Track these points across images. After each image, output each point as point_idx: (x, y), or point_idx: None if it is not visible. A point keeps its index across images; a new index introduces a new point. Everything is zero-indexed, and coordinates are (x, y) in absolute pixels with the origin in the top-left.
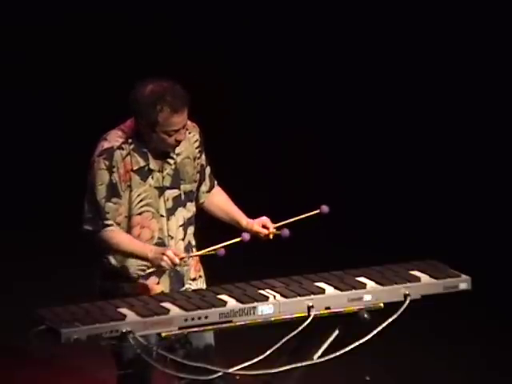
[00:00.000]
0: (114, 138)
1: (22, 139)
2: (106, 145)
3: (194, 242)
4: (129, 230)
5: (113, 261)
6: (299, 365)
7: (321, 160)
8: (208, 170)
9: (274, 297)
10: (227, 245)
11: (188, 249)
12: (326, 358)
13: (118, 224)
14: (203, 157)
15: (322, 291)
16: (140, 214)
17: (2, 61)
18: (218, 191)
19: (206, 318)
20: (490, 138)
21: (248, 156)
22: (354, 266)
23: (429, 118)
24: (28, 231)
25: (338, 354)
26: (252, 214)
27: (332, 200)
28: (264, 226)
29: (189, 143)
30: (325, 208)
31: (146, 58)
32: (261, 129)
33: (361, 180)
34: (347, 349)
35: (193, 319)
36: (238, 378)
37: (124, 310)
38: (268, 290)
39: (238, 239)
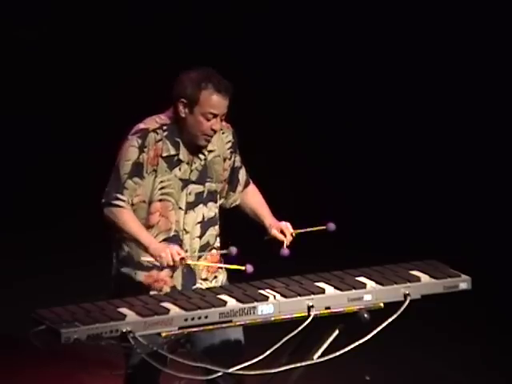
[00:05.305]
0: (151, 122)
1: (30, 138)
2: (141, 126)
3: (217, 244)
4: (147, 216)
5: (127, 248)
6: (299, 365)
7: (321, 161)
8: (242, 170)
9: (274, 297)
10: (227, 268)
11: (205, 249)
12: (326, 357)
13: (133, 205)
14: (237, 158)
15: (322, 291)
16: (160, 200)
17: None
18: (252, 191)
19: (206, 317)
20: (490, 138)
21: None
22: (353, 266)
23: (428, 119)
24: (28, 231)
25: (337, 353)
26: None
27: (332, 200)
28: (282, 232)
29: (221, 143)
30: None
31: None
32: (260, 133)
33: (361, 181)
34: (347, 349)
35: (193, 319)
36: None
37: (124, 310)
38: (268, 290)
39: (241, 267)
